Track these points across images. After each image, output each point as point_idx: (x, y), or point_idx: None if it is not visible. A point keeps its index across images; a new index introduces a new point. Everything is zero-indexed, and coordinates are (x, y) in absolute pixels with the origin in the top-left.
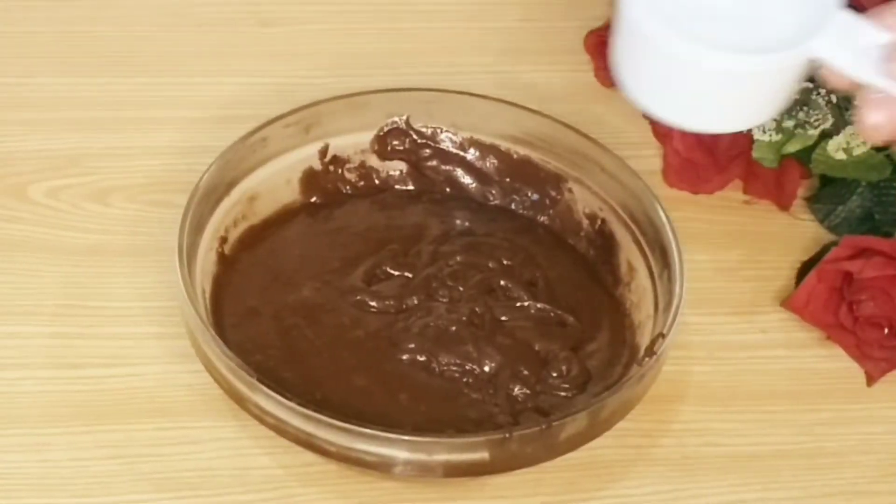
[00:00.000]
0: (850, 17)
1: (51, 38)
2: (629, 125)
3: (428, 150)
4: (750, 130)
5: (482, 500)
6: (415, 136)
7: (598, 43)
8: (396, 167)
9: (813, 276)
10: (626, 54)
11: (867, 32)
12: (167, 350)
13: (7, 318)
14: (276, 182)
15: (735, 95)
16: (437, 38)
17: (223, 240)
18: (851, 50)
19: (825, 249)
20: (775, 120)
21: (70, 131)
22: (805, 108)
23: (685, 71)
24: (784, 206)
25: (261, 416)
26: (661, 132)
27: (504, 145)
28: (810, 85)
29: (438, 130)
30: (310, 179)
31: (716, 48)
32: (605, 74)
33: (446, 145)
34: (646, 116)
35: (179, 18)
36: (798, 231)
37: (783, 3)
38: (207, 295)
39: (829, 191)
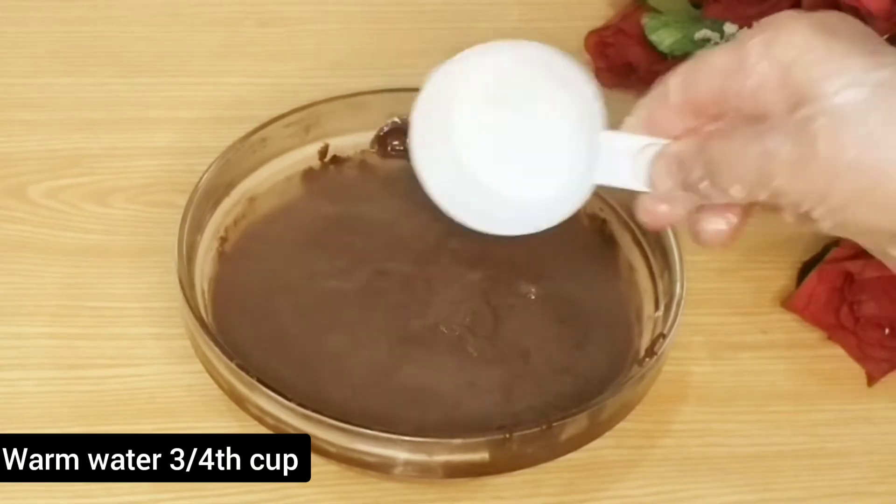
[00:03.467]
0: (609, 135)
1: (51, 38)
2: None
3: None
4: None
5: (482, 500)
6: None
7: (599, 43)
8: (397, 167)
9: (814, 276)
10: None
11: (630, 141)
12: (167, 350)
13: (7, 319)
14: (276, 182)
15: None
16: (437, 39)
17: (223, 240)
18: (628, 167)
19: (826, 249)
20: None
21: (70, 132)
22: None
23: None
24: None
25: (261, 417)
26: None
27: None
28: None
29: None
30: (310, 179)
31: (506, 226)
32: (606, 75)
33: None
34: None
35: (179, 18)
36: (799, 231)
37: (564, 149)
38: (207, 295)
39: None
